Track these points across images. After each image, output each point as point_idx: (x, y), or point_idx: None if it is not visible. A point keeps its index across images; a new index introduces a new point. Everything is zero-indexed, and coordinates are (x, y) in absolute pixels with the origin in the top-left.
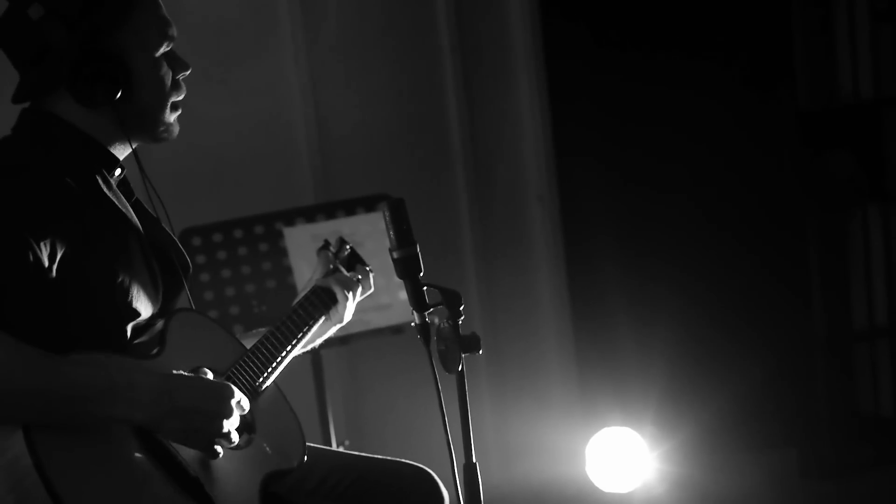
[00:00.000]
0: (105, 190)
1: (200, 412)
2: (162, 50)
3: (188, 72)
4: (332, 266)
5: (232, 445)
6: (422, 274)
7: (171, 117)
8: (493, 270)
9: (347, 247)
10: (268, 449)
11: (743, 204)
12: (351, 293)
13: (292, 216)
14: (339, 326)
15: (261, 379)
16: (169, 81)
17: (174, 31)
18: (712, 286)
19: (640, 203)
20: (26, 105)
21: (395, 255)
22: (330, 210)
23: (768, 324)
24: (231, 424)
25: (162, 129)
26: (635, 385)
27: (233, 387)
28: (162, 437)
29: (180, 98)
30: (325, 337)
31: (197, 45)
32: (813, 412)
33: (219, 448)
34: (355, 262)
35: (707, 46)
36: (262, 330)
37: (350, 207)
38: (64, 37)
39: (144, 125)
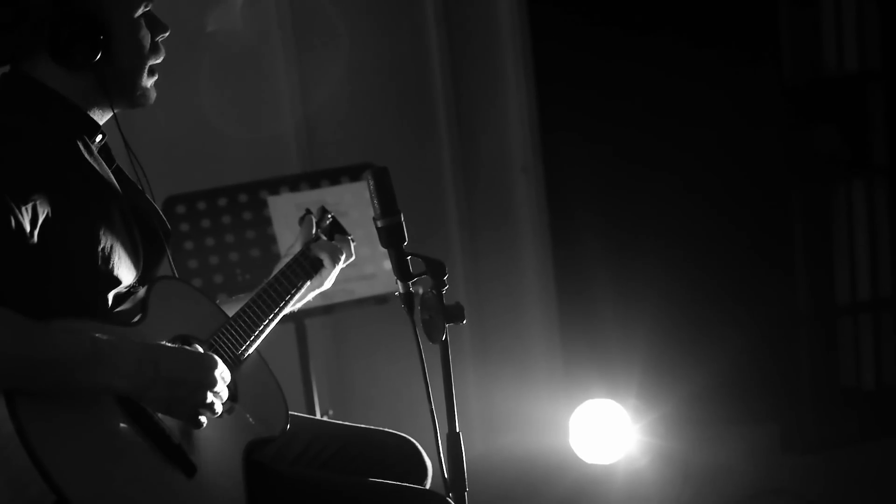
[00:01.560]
0: (86, 155)
1: (185, 382)
2: (140, 10)
3: (167, 34)
4: (314, 235)
5: (216, 416)
6: (406, 243)
7: (149, 82)
8: (478, 241)
9: (329, 216)
10: (250, 418)
11: (727, 177)
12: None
13: (277, 185)
14: (318, 292)
15: (243, 347)
16: (148, 43)
17: None
18: (696, 260)
19: (625, 177)
20: (4, 69)
21: (380, 223)
22: (314, 179)
23: (752, 297)
24: (215, 395)
25: (139, 93)
26: (619, 357)
27: (217, 358)
28: (145, 406)
29: (158, 61)
30: (304, 302)
31: (180, 10)
32: (796, 386)
33: (202, 419)
34: (337, 231)
35: (691, 20)
36: (244, 296)
37: (334, 177)
38: None
39: (123, 88)
